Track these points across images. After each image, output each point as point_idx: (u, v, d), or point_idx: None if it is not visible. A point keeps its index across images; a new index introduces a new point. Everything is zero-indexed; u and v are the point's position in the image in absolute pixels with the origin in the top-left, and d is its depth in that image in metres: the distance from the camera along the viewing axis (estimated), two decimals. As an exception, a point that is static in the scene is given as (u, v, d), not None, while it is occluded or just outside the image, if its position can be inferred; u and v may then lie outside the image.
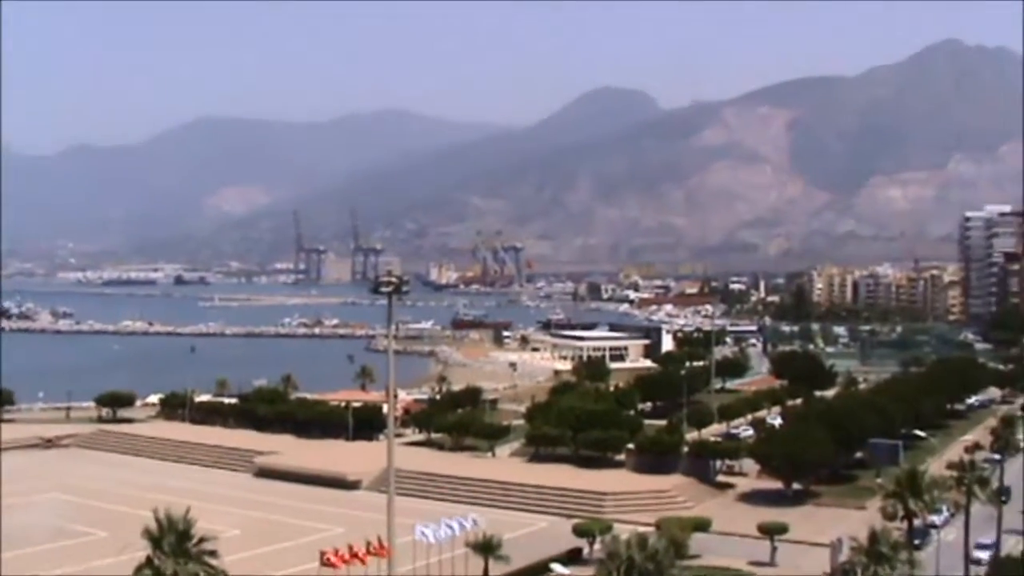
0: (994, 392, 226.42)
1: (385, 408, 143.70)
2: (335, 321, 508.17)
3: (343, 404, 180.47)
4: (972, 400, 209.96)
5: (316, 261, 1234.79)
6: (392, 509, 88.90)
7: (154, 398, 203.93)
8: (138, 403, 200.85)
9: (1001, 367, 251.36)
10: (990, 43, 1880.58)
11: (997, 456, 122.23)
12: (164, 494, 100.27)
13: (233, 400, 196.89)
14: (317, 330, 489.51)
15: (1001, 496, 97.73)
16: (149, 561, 56.59)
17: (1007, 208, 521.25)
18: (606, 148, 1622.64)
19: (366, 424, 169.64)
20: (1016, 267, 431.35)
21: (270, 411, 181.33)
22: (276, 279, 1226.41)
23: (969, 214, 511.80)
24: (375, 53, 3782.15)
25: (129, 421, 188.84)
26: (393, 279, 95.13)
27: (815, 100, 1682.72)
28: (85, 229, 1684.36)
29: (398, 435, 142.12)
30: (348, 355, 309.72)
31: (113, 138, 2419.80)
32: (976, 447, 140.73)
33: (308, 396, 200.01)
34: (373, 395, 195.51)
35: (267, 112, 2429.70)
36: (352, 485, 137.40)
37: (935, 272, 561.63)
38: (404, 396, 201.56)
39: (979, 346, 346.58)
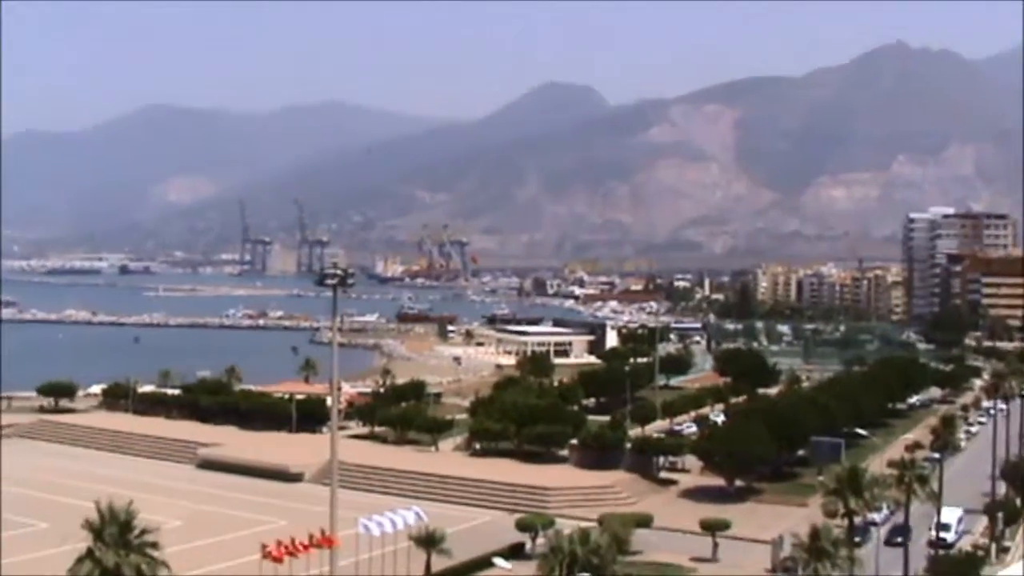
0: (935, 392, 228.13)
1: (329, 401, 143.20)
2: (280, 313, 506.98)
3: (287, 396, 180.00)
4: (913, 399, 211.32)
5: (262, 252, 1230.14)
6: (335, 502, 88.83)
7: (97, 388, 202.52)
8: (80, 393, 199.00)
9: (942, 367, 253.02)
10: (935, 46, 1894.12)
11: (937, 455, 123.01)
12: (106, 485, 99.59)
13: (176, 391, 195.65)
14: (262, 321, 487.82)
15: (899, 537, 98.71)
16: (90, 552, 56.22)
17: (950, 210, 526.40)
18: (554, 144, 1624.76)
19: (309, 416, 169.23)
20: (958, 268, 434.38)
21: (213, 402, 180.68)
22: (221, 270, 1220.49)
23: (913, 215, 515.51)
24: (325, 44, 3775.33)
25: (71, 411, 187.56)
26: (338, 271, 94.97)
27: (762, 99, 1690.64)
28: (28, 217, 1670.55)
29: (341, 428, 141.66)
30: (292, 347, 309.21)
31: (59, 124, 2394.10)
32: (917, 446, 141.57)
33: (252, 388, 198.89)
34: (317, 387, 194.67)
35: (215, 102, 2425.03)
36: (295, 477, 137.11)
37: (879, 272, 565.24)
38: (348, 389, 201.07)
39: (921, 346, 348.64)
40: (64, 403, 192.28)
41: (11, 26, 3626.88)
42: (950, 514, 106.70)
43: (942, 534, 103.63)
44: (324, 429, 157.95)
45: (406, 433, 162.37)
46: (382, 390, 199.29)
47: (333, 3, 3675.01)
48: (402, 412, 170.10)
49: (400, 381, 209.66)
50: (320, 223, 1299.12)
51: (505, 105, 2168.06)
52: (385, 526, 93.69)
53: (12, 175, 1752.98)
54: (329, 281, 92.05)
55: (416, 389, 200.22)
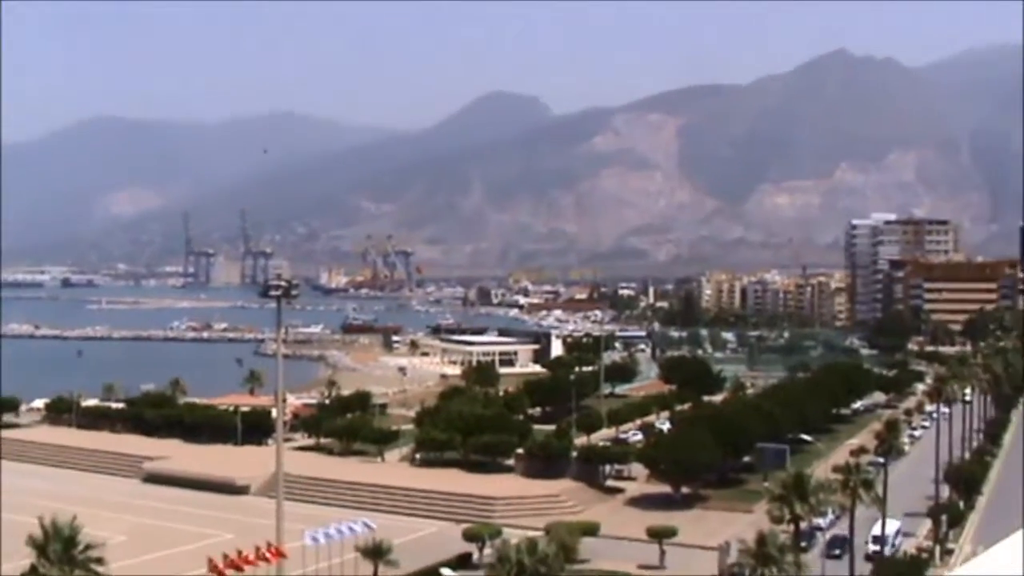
0: (879, 397, 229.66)
1: (274, 412, 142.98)
2: (224, 325, 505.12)
3: (232, 408, 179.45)
4: (857, 405, 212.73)
5: (205, 264, 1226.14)
6: (281, 514, 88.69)
7: (40, 403, 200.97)
8: (23, 408, 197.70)
9: (886, 372, 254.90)
10: (878, 54, 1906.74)
11: (881, 460, 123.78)
12: (50, 500, 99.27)
13: (121, 405, 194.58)
14: (206, 334, 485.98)
15: (838, 550, 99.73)
16: (33, 569, 56.04)
17: (892, 216, 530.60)
18: (498, 153, 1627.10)
19: (255, 428, 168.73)
20: (900, 274, 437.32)
21: (158, 416, 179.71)
22: (165, 282, 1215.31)
23: (855, 222, 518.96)
24: (268, 55, 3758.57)
25: (14, 427, 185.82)
26: (282, 282, 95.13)
27: (705, 108, 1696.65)
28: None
29: (287, 439, 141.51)
30: (237, 359, 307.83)
31: (3, 135, 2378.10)
32: (861, 451, 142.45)
33: (197, 400, 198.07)
34: (262, 399, 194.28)
35: (162, 113, 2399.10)
36: (241, 490, 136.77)
37: (822, 279, 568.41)
38: (293, 400, 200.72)
39: (864, 351, 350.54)
40: (7, 418, 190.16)
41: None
42: (888, 526, 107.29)
43: (877, 547, 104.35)
44: (270, 441, 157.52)
45: (352, 444, 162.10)
46: (327, 401, 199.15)
47: (282, 13, 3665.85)
48: (348, 423, 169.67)
49: (345, 392, 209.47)
50: (264, 234, 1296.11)
51: (451, 115, 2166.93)
52: (332, 538, 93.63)
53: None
54: (273, 292, 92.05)
55: (361, 400, 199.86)
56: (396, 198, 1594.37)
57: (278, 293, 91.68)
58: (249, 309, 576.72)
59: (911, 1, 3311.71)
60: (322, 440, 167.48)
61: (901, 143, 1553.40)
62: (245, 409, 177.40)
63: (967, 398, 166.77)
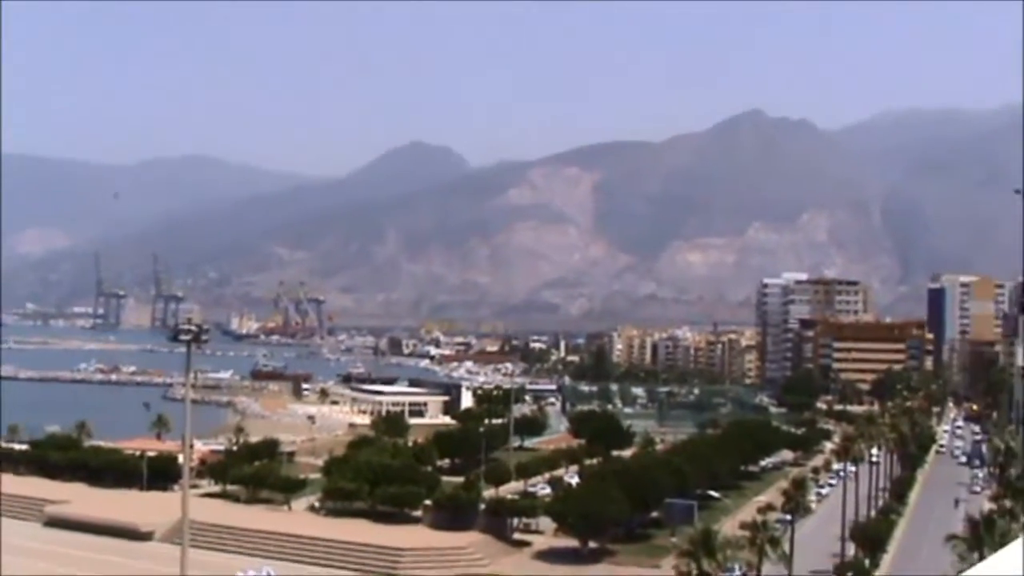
0: (787, 454, 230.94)
1: (181, 458, 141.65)
2: (133, 368, 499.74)
3: (138, 453, 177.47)
4: (766, 462, 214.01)
5: (116, 306, 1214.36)
6: (186, 562, 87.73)
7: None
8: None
9: (794, 430, 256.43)
10: (792, 115, 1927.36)
11: (788, 517, 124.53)
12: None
13: (24, 446, 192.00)
14: (114, 376, 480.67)
15: None
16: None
17: (803, 276, 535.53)
18: (413, 204, 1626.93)
19: (161, 474, 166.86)
20: (810, 333, 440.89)
21: (62, 458, 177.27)
22: (74, 323, 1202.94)
23: (767, 280, 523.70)
24: (184, 97, 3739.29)
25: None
26: (193, 327, 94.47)
27: (621, 164, 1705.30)
28: None
29: (193, 486, 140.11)
30: (144, 403, 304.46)
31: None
32: (768, 508, 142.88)
33: (102, 444, 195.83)
34: (169, 444, 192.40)
35: (71, 152, 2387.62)
36: (145, 536, 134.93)
37: (733, 336, 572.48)
38: (200, 446, 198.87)
39: (773, 409, 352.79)
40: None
41: None
42: None
43: None
44: (176, 487, 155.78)
45: (259, 492, 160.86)
46: (235, 448, 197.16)
47: (199, 56, 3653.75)
48: (255, 470, 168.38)
49: (253, 439, 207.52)
50: (176, 278, 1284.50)
51: (366, 164, 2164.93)
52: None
53: None
54: (183, 337, 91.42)
55: (269, 447, 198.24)
56: (310, 245, 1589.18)
57: (188, 337, 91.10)
58: (158, 353, 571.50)
59: (826, 64, 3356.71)
60: (229, 487, 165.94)
61: (814, 204, 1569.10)
62: (151, 454, 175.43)
63: (874, 458, 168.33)
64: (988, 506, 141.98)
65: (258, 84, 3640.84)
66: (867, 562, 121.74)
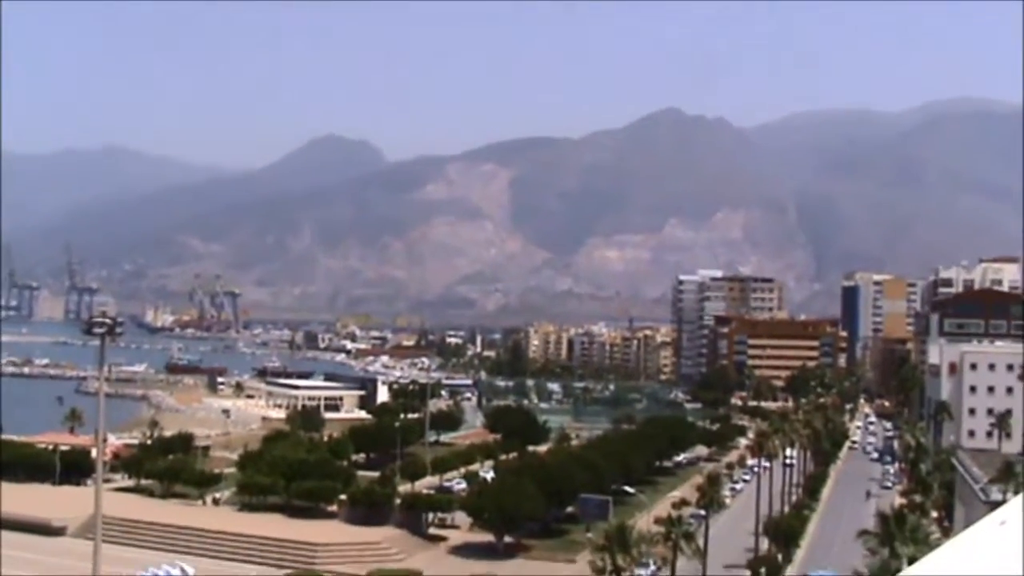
0: (702, 450, 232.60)
1: (94, 452, 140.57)
2: (45, 361, 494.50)
3: (51, 447, 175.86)
4: (680, 458, 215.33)
5: (28, 298, 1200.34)
6: (98, 557, 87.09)
7: None
8: None
9: (709, 426, 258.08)
10: (709, 114, 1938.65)
11: (703, 512, 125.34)
12: None
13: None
14: (26, 369, 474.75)
15: None
16: None
17: (719, 273, 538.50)
18: (330, 197, 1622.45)
19: (74, 468, 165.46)
20: (725, 330, 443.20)
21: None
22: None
23: (682, 277, 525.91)
24: (101, 88, 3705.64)
25: None
26: (107, 320, 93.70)
27: (538, 160, 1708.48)
28: None
29: (107, 480, 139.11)
30: (57, 396, 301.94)
31: None
32: (683, 503, 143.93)
33: (14, 438, 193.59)
34: (82, 438, 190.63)
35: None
36: (58, 531, 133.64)
37: (648, 332, 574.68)
38: (114, 440, 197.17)
39: (688, 405, 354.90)
40: None
41: None
42: None
43: None
44: (89, 482, 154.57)
45: (173, 486, 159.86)
46: (149, 442, 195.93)
47: (120, 46, 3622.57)
48: (169, 465, 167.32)
49: (168, 433, 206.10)
50: (91, 270, 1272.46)
51: (285, 156, 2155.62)
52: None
53: None
54: (97, 330, 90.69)
55: (184, 442, 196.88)
56: (226, 238, 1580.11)
57: (102, 330, 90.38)
58: (72, 346, 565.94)
59: (742, 64, 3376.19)
60: (143, 482, 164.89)
61: (730, 202, 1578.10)
62: (64, 448, 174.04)
63: (789, 460, 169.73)
64: (899, 501, 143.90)
65: (177, 75, 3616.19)
66: (780, 557, 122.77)
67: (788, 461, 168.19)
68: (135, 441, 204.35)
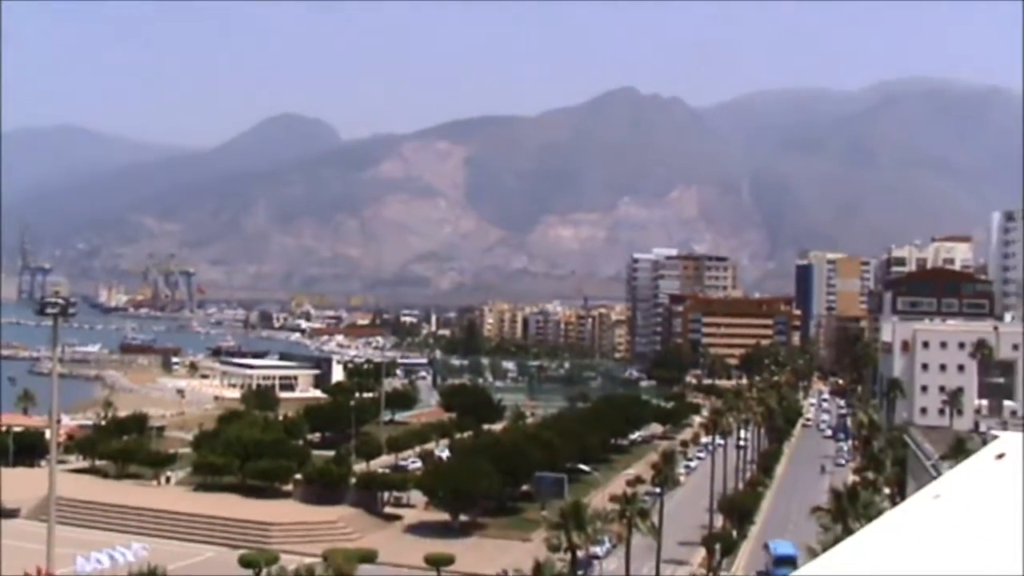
0: (656, 428, 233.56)
1: (48, 433, 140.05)
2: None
3: (4, 428, 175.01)
4: (635, 435, 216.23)
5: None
6: (52, 539, 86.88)
7: None
8: None
9: (663, 404, 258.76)
10: (664, 93, 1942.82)
11: (658, 490, 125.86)
12: None
13: None
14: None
15: None
16: None
17: (673, 252, 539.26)
18: (285, 175, 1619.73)
19: (28, 449, 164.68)
20: (680, 308, 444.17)
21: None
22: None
23: (637, 256, 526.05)
24: (52, 65, 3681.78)
25: None
26: (60, 300, 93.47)
27: (493, 138, 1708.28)
28: None
29: (60, 461, 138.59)
30: (9, 377, 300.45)
31: None
32: (638, 481, 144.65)
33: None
34: (35, 420, 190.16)
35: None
36: (10, 514, 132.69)
37: (603, 311, 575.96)
38: (68, 421, 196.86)
39: (643, 383, 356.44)
40: None
41: None
42: None
43: None
44: (43, 463, 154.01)
45: (128, 467, 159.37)
46: (103, 423, 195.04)
47: (74, 22, 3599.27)
48: (124, 445, 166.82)
49: (122, 414, 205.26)
50: (44, 250, 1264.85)
51: (239, 134, 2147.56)
52: (104, 564, 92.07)
53: None
54: (50, 310, 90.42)
55: (138, 422, 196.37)
56: (179, 217, 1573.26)
57: (55, 311, 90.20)
58: (24, 326, 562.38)
59: (698, 43, 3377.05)
60: (97, 462, 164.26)
61: (684, 180, 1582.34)
62: (17, 429, 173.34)
63: (742, 441, 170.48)
64: (852, 478, 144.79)
65: (132, 54, 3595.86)
66: (735, 533, 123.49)
67: (740, 443, 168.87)
68: (89, 422, 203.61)
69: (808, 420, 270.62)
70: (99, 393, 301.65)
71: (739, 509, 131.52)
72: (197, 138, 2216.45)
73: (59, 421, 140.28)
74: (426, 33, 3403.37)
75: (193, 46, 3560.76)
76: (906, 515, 15.39)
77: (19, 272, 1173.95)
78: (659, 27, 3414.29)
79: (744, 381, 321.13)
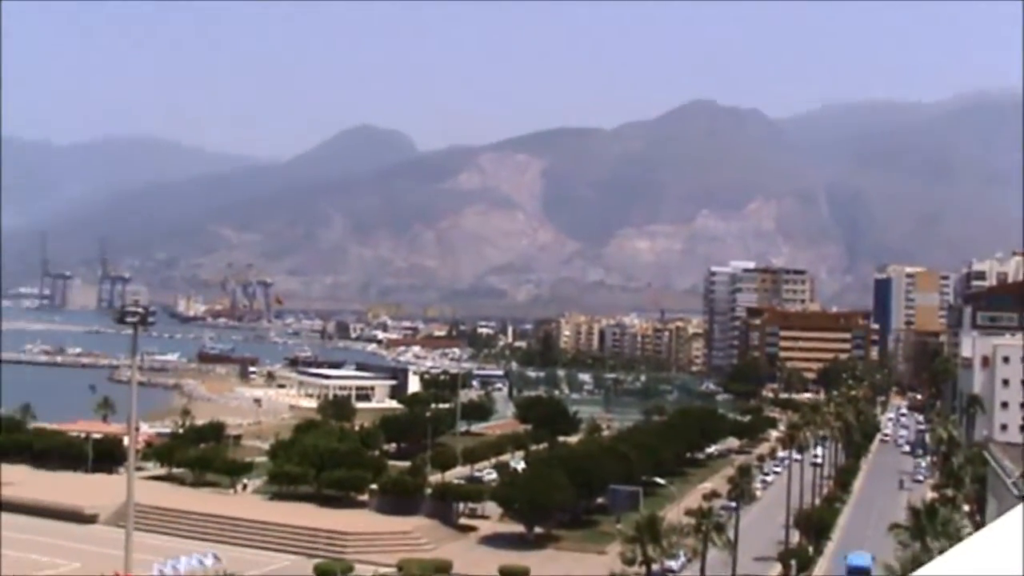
0: (732, 442, 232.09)
1: (126, 440, 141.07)
2: (78, 349, 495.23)
3: (83, 435, 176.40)
4: (711, 449, 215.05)
5: (62, 287, 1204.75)
6: (130, 544, 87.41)
7: None
8: None
9: (740, 418, 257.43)
10: (743, 104, 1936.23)
11: (733, 504, 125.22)
12: None
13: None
14: (59, 358, 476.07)
15: None
16: None
17: (751, 264, 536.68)
18: (361, 187, 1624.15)
19: (106, 456, 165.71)
20: (757, 321, 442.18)
21: (6, 440, 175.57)
22: (19, 303, 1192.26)
23: (714, 269, 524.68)
24: (135, 77, 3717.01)
25: None
26: (139, 309, 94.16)
27: (570, 150, 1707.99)
28: None
29: (138, 469, 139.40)
30: (90, 385, 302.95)
31: None
32: (714, 495, 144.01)
33: (47, 426, 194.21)
34: (114, 427, 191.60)
35: (18, 131, 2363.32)
36: (90, 519, 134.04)
37: (680, 324, 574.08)
38: (146, 429, 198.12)
39: (719, 397, 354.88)
40: None
41: None
42: None
43: None
44: (121, 470, 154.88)
45: (204, 475, 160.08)
46: (181, 431, 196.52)
47: (153, 37, 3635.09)
48: (201, 453, 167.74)
49: (199, 422, 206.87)
50: (123, 259, 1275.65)
51: (316, 146, 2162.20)
52: (181, 570, 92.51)
53: None
54: (129, 319, 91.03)
55: (215, 430, 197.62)
56: (257, 228, 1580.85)
57: (135, 319, 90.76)
58: (104, 334, 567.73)
59: (776, 55, 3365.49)
60: (174, 470, 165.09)
61: (762, 193, 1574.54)
62: (97, 436, 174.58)
63: (818, 458, 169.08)
64: (930, 494, 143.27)
65: (211, 67, 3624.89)
66: (811, 549, 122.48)
67: (816, 459, 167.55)
68: (167, 430, 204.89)
69: (886, 435, 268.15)
70: (177, 401, 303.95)
71: (816, 524, 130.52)
72: (274, 150, 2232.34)
73: (137, 428, 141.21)
74: (501, 45, 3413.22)
75: (271, 59, 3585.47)
76: (998, 535, 14.96)
77: (99, 281, 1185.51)
78: (735, 39, 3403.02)
79: (821, 395, 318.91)
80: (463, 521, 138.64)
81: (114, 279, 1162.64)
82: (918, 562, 79.85)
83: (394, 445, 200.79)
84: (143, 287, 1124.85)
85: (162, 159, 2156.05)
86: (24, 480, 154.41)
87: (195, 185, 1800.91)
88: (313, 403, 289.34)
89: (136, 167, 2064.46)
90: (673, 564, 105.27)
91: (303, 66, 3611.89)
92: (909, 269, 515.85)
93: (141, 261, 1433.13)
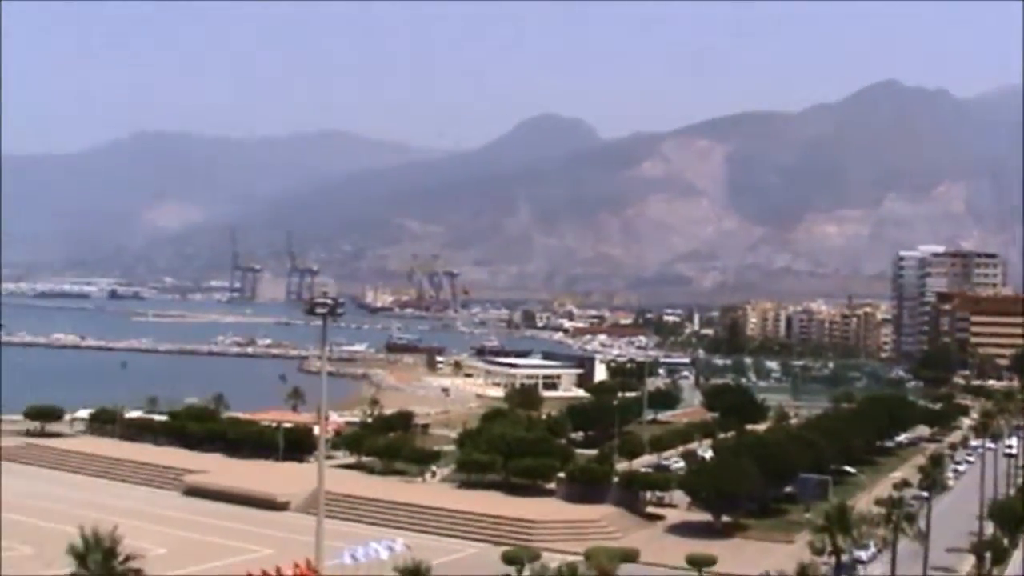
0: (923, 430, 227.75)
1: (316, 429, 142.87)
2: (268, 341, 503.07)
3: (274, 424, 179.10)
4: (901, 437, 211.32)
5: (251, 280, 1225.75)
6: (321, 531, 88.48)
7: (84, 413, 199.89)
8: (67, 417, 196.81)
9: (931, 405, 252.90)
10: (929, 84, 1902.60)
11: (925, 494, 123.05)
12: (91, 510, 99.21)
13: (163, 417, 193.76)
14: (250, 349, 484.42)
15: None
16: (74, 578, 55.98)
17: (940, 248, 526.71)
18: (545, 176, 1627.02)
19: (296, 445, 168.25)
20: (947, 307, 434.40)
21: (200, 429, 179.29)
22: (211, 296, 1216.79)
23: (903, 253, 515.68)
24: (320, 72, 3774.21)
25: (57, 436, 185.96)
26: (328, 300, 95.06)
27: (754, 135, 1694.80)
28: (18, 239, 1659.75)
29: (328, 457, 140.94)
30: (280, 375, 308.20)
31: (51, 147, 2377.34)
32: (904, 484, 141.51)
33: (239, 415, 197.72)
34: (304, 416, 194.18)
35: (207, 128, 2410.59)
36: (281, 506, 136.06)
37: (868, 309, 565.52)
38: (335, 418, 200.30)
39: (909, 384, 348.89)
40: (51, 427, 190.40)
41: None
42: None
43: None
44: (311, 458, 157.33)
45: (393, 463, 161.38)
46: (370, 420, 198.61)
47: (335, 33, 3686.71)
48: (389, 442, 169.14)
49: (388, 411, 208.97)
50: (311, 251, 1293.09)
51: (498, 136, 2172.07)
52: (370, 556, 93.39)
53: (3, 196, 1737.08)
54: (319, 310, 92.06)
55: (404, 419, 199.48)
56: (442, 218, 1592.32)
57: (324, 311, 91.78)
58: (294, 326, 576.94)
59: (962, 33, 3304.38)
60: (363, 458, 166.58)
61: (950, 174, 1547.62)
62: (287, 425, 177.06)
63: (1013, 449, 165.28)
64: None
65: (395, 60, 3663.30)
66: (1006, 541, 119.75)
67: (1010, 450, 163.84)
68: (356, 419, 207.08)
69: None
70: (366, 391, 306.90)
71: (1011, 516, 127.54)
72: (458, 141, 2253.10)
73: (327, 418, 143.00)
74: (682, 31, 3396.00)
75: (452, 50, 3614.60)
76: None
77: (287, 273, 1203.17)
78: (921, 18, 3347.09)
79: (1015, 382, 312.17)
80: (650, 510, 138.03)
81: (302, 271, 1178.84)
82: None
83: (581, 433, 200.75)
84: (331, 279, 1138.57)
85: (346, 152, 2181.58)
86: (218, 468, 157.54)
87: (379, 177, 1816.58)
88: (500, 392, 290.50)
89: (322, 160, 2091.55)
90: (863, 555, 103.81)
91: (485, 57, 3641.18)
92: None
93: (328, 253, 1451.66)
